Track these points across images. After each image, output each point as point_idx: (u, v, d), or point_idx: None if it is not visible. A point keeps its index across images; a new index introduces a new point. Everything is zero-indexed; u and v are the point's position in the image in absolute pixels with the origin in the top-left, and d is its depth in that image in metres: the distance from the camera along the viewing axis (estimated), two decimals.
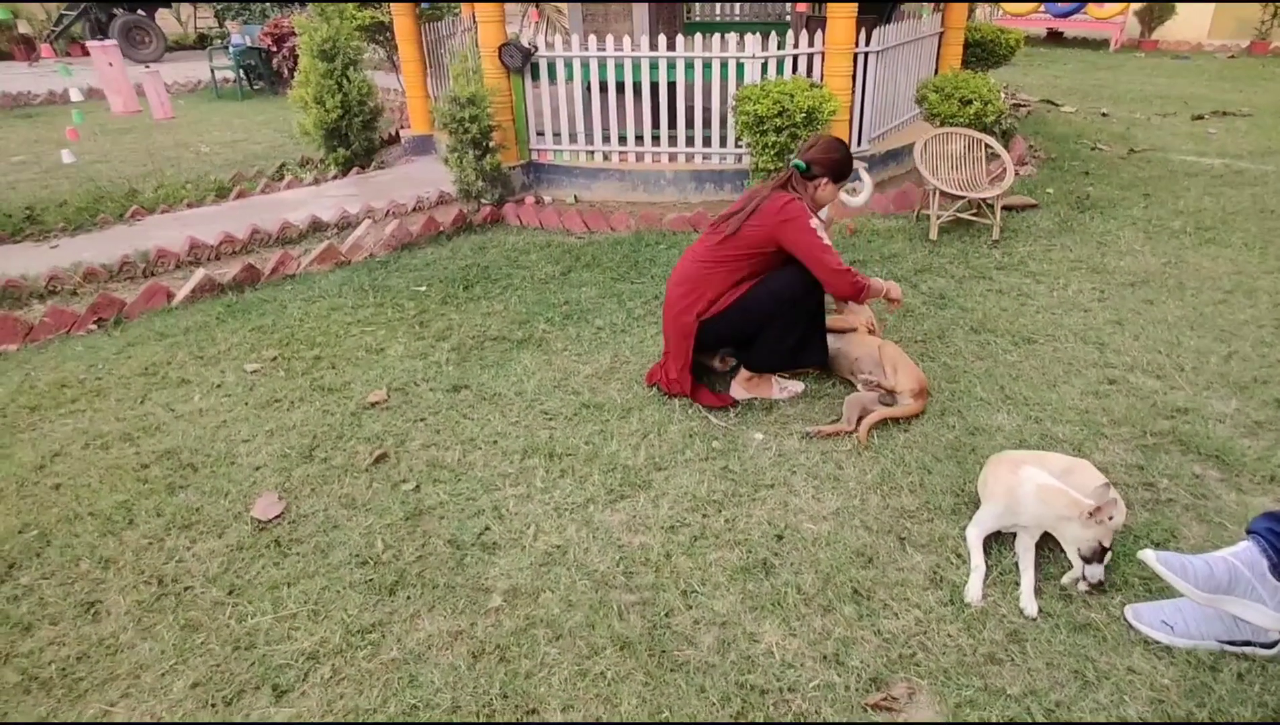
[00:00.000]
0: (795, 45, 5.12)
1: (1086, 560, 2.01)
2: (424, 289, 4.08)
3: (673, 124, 5.34)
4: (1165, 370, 3.09)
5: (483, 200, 5.13)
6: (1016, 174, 5.38)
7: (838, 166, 2.83)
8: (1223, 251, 4.30)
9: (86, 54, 10.87)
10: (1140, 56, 13.11)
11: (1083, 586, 2.03)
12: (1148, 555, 1.79)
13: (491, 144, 5.04)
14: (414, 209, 5.30)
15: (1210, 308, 3.61)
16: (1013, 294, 3.81)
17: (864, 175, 4.15)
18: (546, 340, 3.50)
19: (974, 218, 4.68)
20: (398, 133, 7.38)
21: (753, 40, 5.04)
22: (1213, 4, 13.48)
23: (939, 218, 4.53)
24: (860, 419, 2.77)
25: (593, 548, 2.25)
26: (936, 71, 6.42)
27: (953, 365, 3.17)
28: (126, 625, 2.02)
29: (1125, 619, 1.94)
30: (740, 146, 5.20)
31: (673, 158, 5.43)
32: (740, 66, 5.12)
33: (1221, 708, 1.72)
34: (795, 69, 5.16)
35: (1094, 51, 13.62)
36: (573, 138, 5.51)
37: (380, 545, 2.28)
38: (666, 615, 2.01)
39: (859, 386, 2.93)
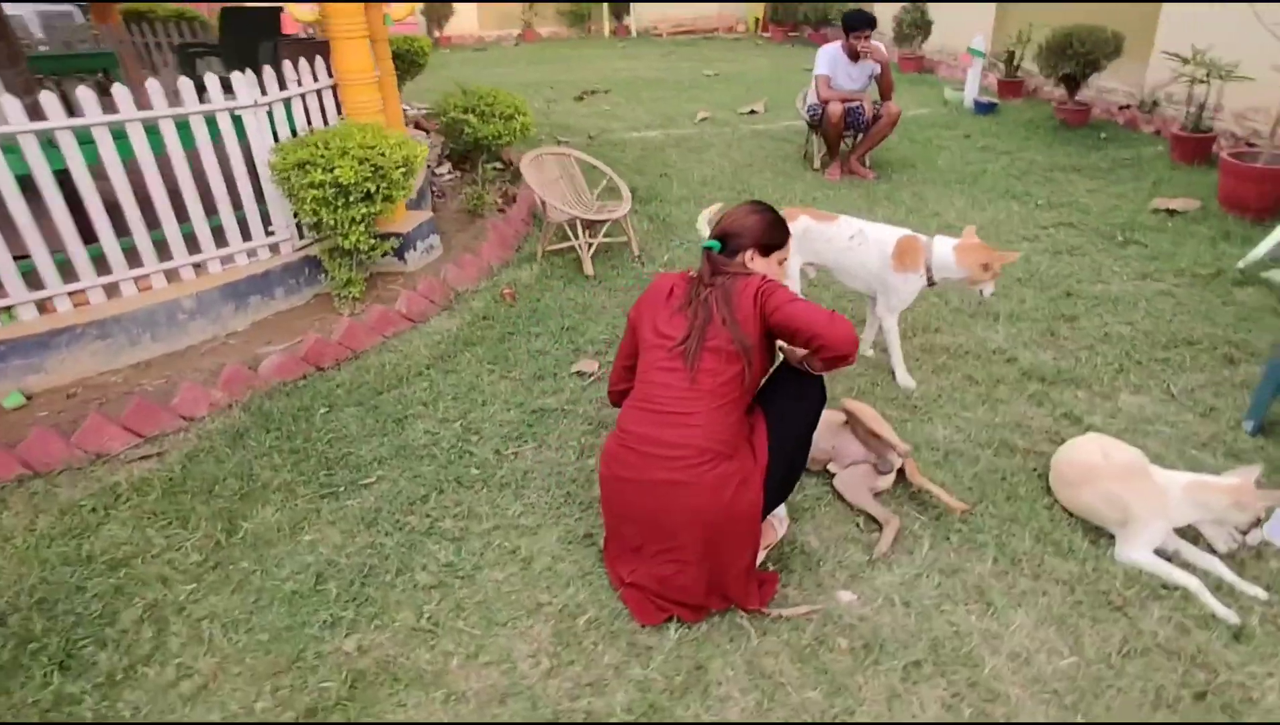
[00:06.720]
0: (294, 84, 3.74)
1: (1244, 533, 2.03)
2: None
3: (122, 231, 3.37)
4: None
5: None
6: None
7: (763, 232, 2.10)
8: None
9: None
10: (447, 51, 14.05)
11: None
12: None
13: None
14: None
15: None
16: None
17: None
18: None
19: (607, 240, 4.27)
20: None
21: (244, 82, 3.46)
22: (476, 3, 15.19)
23: (589, 248, 3.99)
24: (877, 494, 2.30)
25: None
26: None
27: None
28: None
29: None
30: (282, 232, 3.66)
31: (172, 276, 3.47)
32: (238, 121, 3.52)
33: None
34: (307, 112, 3.81)
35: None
36: None
37: None
38: None
39: (838, 472, 2.38)
